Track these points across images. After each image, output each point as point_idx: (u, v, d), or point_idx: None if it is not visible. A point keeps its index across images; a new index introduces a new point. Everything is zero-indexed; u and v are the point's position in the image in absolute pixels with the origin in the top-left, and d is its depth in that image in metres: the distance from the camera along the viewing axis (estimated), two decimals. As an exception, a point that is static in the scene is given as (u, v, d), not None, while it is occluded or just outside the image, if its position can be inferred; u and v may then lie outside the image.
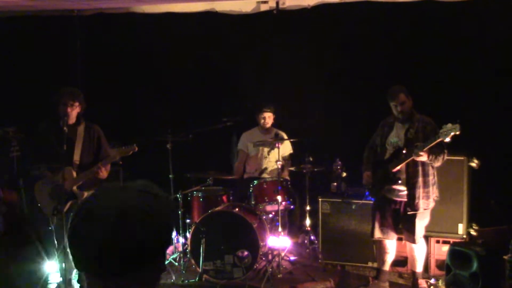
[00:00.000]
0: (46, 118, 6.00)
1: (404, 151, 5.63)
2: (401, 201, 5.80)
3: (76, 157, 5.84)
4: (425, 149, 5.40)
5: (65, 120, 5.70)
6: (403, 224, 5.92)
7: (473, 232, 6.37)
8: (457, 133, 5.21)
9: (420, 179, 5.67)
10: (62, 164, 5.58)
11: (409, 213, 5.72)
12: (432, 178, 5.75)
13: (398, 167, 5.68)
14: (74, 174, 5.77)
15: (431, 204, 5.78)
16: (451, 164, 6.35)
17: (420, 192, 5.67)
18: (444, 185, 6.27)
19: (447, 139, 5.27)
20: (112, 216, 1.52)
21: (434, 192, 5.78)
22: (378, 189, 5.96)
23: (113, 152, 6.06)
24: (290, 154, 7.58)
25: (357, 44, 7.68)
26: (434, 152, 5.49)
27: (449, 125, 5.26)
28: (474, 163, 6.35)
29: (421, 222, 5.81)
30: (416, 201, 5.66)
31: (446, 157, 5.63)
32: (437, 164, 5.64)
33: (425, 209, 5.73)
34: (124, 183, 1.67)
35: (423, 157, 5.46)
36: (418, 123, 5.73)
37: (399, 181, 5.73)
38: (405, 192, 5.73)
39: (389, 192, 5.87)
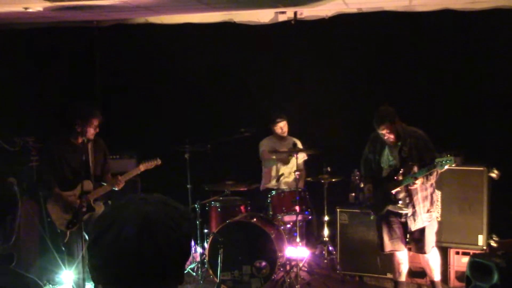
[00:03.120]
0: (53, 135, 6.15)
1: (401, 171, 5.60)
2: (406, 213, 5.76)
3: (92, 171, 6.01)
4: (419, 178, 5.42)
5: (86, 138, 5.87)
6: (412, 237, 5.89)
7: (493, 244, 6.31)
8: (453, 165, 5.28)
9: (420, 195, 5.65)
10: (81, 178, 5.72)
11: (413, 230, 5.72)
12: (431, 190, 5.73)
13: (398, 189, 5.67)
14: (92, 187, 5.93)
15: (434, 214, 5.78)
16: (471, 175, 6.31)
17: (421, 207, 5.66)
18: (464, 195, 6.25)
19: (443, 169, 5.34)
20: (136, 227, 1.51)
21: (434, 200, 5.77)
22: (380, 208, 5.92)
23: (135, 167, 6.33)
24: (304, 161, 7.53)
25: (375, 54, 7.66)
26: (427, 174, 5.50)
27: (448, 156, 5.28)
28: (494, 174, 6.29)
29: (431, 231, 5.80)
30: (419, 217, 5.66)
31: (439, 171, 5.59)
32: (432, 181, 5.64)
33: (429, 221, 5.71)
34: (142, 195, 1.65)
35: (417, 184, 5.49)
36: (410, 139, 5.65)
37: (400, 202, 5.72)
38: (407, 211, 5.71)
39: (392, 207, 5.85)
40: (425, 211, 5.66)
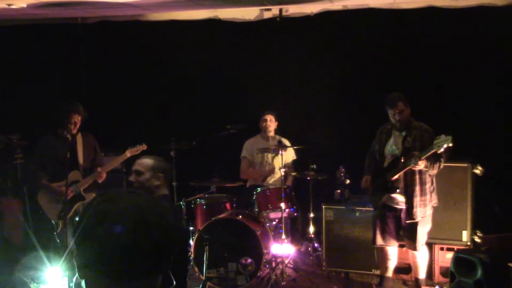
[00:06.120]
0: (46, 133, 6.33)
1: (402, 160, 5.62)
2: (401, 209, 5.79)
3: (81, 162, 6.27)
4: (422, 158, 5.38)
5: (69, 132, 6.06)
6: (404, 232, 5.91)
7: (477, 239, 6.35)
8: (450, 145, 5.18)
9: (417, 188, 5.65)
10: (67, 170, 5.88)
11: (407, 222, 5.73)
12: (430, 185, 5.73)
13: (396, 176, 5.67)
14: (81, 176, 6.19)
15: (429, 211, 5.76)
16: (455, 171, 6.34)
17: (417, 200, 5.66)
18: (448, 192, 6.27)
19: (441, 150, 5.27)
20: (132, 219, 1.50)
21: (432, 199, 5.76)
22: (377, 199, 5.95)
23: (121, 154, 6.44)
24: (293, 161, 7.58)
25: (360, 51, 7.67)
26: (431, 160, 5.48)
27: (442, 136, 5.23)
28: (478, 170, 6.34)
29: (423, 229, 5.80)
30: (414, 209, 5.66)
31: (442, 166, 5.60)
32: (433, 172, 5.62)
33: (422, 217, 5.72)
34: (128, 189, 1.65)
35: (421, 166, 5.45)
36: (415, 131, 5.70)
37: (397, 190, 5.72)
38: (404, 201, 5.73)
39: (389, 200, 5.86)
40: (420, 205, 5.66)
